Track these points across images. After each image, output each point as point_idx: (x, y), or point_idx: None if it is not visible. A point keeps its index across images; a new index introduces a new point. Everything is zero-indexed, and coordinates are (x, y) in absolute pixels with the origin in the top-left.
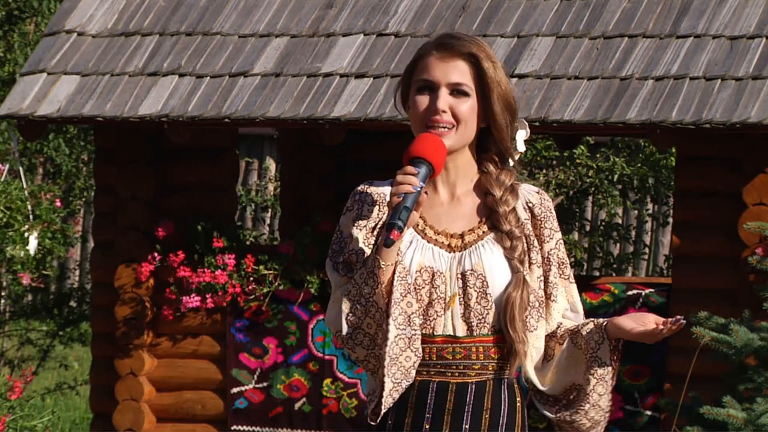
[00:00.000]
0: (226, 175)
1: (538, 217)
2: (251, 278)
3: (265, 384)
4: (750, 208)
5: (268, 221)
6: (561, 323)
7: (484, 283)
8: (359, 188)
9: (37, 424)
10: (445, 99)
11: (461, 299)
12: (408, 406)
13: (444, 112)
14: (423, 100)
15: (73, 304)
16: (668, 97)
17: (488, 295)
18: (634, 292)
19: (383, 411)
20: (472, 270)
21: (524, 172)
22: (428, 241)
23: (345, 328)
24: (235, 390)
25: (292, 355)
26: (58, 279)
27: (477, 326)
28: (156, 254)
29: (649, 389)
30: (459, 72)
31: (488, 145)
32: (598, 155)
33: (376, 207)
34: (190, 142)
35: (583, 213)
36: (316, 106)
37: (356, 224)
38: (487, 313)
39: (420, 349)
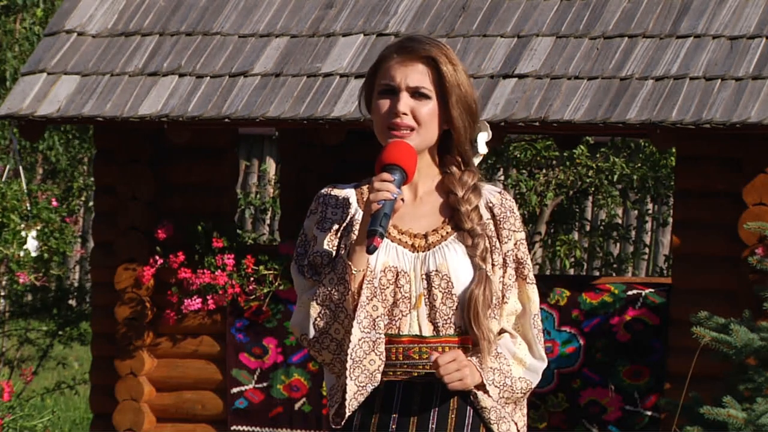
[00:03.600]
0: (226, 175)
1: (498, 218)
2: (251, 278)
3: (265, 384)
4: (750, 208)
5: (267, 221)
6: (503, 328)
7: (449, 283)
8: (323, 191)
9: (37, 424)
10: (405, 102)
11: (426, 300)
12: (374, 407)
13: (405, 114)
14: (384, 104)
15: (72, 303)
16: (668, 97)
17: (453, 296)
18: (634, 292)
19: (347, 415)
20: (436, 270)
21: (516, 174)
22: (392, 240)
23: (312, 332)
24: (235, 390)
25: (291, 355)
26: (57, 278)
27: (443, 327)
28: (157, 257)
29: (649, 389)
30: (419, 75)
31: (450, 146)
32: (598, 155)
33: (340, 209)
34: (190, 142)
35: (583, 213)
36: (316, 106)
37: (320, 226)
38: (453, 314)
39: (384, 353)
